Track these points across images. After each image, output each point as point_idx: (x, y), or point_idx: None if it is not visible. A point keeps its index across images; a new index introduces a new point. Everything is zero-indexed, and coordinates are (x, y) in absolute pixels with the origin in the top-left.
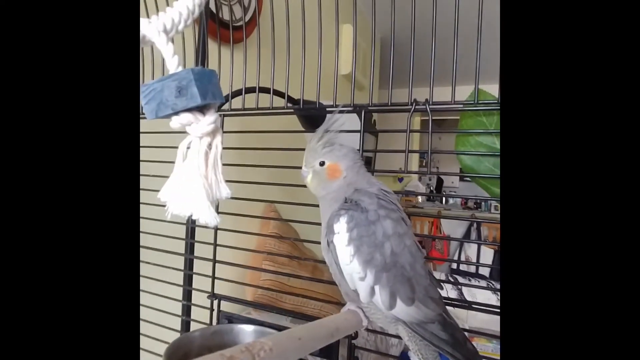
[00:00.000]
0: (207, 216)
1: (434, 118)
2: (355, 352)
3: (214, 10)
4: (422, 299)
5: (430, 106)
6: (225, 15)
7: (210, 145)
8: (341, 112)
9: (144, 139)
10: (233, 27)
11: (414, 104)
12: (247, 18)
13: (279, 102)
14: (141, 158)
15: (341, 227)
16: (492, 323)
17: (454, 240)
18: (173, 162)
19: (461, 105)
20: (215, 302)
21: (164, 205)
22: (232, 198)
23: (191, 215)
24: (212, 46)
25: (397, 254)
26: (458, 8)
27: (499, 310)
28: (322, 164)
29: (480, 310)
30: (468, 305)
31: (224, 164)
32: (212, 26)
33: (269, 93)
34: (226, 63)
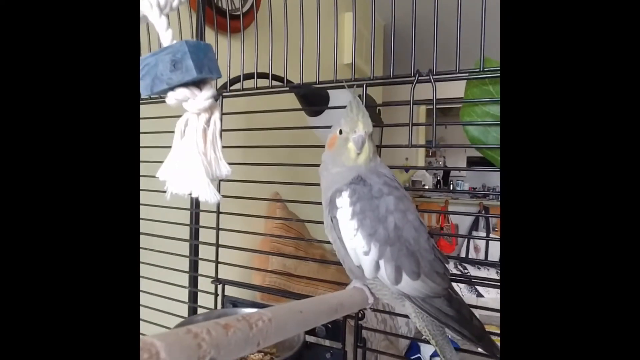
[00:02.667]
0: (207, 194)
1: (438, 98)
2: (363, 333)
3: None
4: (427, 273)
5: (434, 76)
6: (223, 4)
7: (208, 122)
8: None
9: (144, 125)
10: (231, 17)
11: (417, 75)
12: (246, 9)
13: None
14: (142, 144)
15: (344, 202)
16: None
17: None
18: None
19: (466, 74)
20: (220, 287)
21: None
22: (234, 180)
23: (191, 194)
24: (209, 34)
25: (400, 228)
26: None
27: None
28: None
29: (482, 285)
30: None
31: (228, 146)
32: (209, 14)
33: (268, 78)
34: (223, 51)
